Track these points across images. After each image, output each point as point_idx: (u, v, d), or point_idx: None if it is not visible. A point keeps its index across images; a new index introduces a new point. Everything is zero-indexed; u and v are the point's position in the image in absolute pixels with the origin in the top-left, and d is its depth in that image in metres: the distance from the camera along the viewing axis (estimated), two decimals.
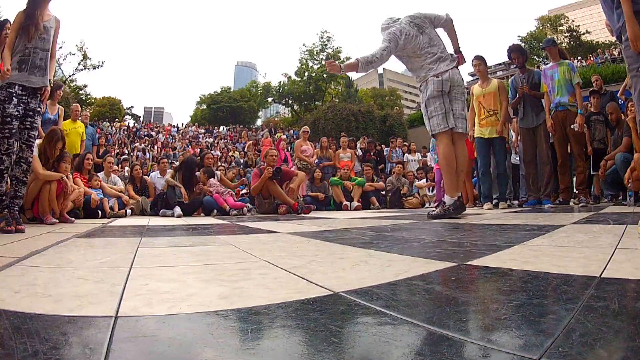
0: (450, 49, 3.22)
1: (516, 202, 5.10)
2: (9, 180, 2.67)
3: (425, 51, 3.05)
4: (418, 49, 3.05)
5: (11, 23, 2.75)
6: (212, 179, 5.64)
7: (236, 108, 37.11)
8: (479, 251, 1.26)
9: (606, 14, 1.88)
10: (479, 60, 4.68)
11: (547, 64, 4.64)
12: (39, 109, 2.71)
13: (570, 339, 0.49)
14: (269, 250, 1.49)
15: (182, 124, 29.25)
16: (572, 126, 4.11)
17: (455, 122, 3.05)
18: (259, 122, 41.33)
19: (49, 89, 2.75)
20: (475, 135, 4.68)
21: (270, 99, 38.70)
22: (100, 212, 4.61)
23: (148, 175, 6.33)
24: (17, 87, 2.55)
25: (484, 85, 4.63)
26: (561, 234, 1.62)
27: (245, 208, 5.16)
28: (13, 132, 2.53)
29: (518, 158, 5.39)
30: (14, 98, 2.53)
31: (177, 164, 6.08)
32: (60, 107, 5.39)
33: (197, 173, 5.69)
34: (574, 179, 4.60)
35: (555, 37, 23.59)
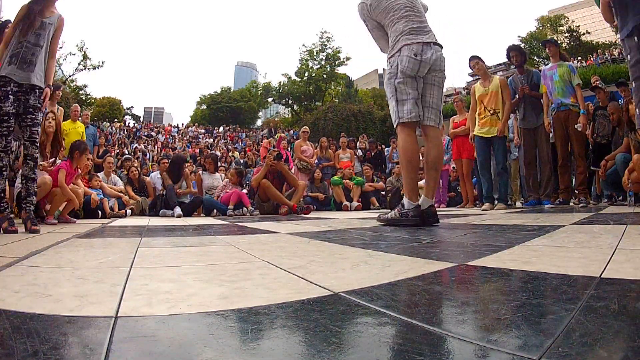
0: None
1: (520, 202, 5.10)
2: (6, 180, 2.67)
3: (401, 14, 2.49)
4: (392, 11, 2.50)
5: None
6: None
7: (236, 108, 37.20)
8: (479, 251, 1.26)
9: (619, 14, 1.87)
10: (476, 59, 4.64)
11: (547, 64, 4.65)
12: (39, 105, 2.67)
13: (570, 339, 0.49)
14: (269, 251, 1.49)
15: (182, 124, 29.33)
16: (575, 126, 4.10)
17: (426, 113, 2.50)
18: (259, 123, 41.41)
19: (48, 90, 2.70)
20: (474, 134, 4.67)
21: (270, 99, 38.78)
22: (100, 212, 4.62)
23: (148, 176, 6.34)
24: (12, 84, 2.52)
25: (486, 84, 4.59)
26: (561, 235, 1.62)
27: (245, 208, 5.17)
28: (10, 130, 2.51)
29: (516, 155, 5.38)
30: (10, 96, 2.50)
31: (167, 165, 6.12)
32: (60, 107, 5.40)
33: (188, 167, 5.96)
34: (574, 179, 4.60)
35: (555, 38, 23.59)
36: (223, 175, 6.21)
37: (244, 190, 6.59)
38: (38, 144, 2.73)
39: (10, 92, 2.51)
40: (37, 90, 2.65)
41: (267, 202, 5.34)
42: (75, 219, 3.82)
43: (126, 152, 13.51)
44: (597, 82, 5.54)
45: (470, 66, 4.71)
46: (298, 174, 6.71)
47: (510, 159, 5.44)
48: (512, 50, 4.71)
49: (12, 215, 2.52)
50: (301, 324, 0.60)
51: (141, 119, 41.99)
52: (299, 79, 33.85)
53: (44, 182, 3.41)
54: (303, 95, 34.01)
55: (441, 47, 2.53)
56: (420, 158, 3.13)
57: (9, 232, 2.32)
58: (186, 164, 6.11)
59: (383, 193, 7.17)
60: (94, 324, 0.62)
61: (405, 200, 2.49)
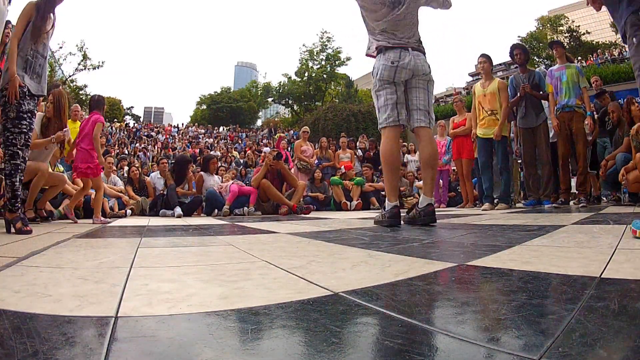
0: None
1: (522, 202, 5.10)
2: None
3: (379, 23, 2.48)
4: (375, 19, 2.50)
5: (12, 24, 2.71)
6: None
7: (236, 108, 37.21)
8: (479, 251, 1.26)
9: (611, 14, 1.85)
10: (485, 57, 4.68)
11: (548, 64, 4.66)
12: (35, 111, 2.70)
13: (570, 339, 0.49)
14: (269, 251, 1.49)
15: (182, 124, 29.32)
16: (584, 123, 4.13)
17: (413, 115, 2.53)
18: (259, 123, 41.42)
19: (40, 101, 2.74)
20: (476, 135, 4.71)
21: (270, 99, 38.76)
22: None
23: (148, 176, 6.34)
24: (26, 87, 2.52)
25: (486, 85, 4.62)
26: (561, 235, 1.62)
27: (245, 208, 5.17)
28: (30, 128, 2.54)
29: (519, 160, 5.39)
30: (27, 96, 2.52)
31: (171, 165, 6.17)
32: None
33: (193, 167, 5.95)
34: (573, 180, 4.60)
35: (555, 38, 23.59)
36: (221, 177, 6.25)
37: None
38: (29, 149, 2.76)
39: (27, 94, 2.52)
40: (36, 98, 2.67)
41: (267, 202, 5.34)
42: (76, 219, 3.82)
43: (126, 152, 13.51)
44: (597, 82, 5.52)
45: (478, 61, 4.78)
46: (298, 174, 6.70)
47: (512, 158, 5.44)
48: (517, 48, 4.72)
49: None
50: (301, 324, 0.60)
51: (141, 119, 42.02)
52: (299, 79, 33.83)
53: (37, 167, 3.34)
54: (303, 95, 33.99)
55: (424, 52, 2.57)
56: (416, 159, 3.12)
57: (23, 233, 2.31)
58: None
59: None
60: (94, 324, 0.62)
61: (386, 201, 2.55)
